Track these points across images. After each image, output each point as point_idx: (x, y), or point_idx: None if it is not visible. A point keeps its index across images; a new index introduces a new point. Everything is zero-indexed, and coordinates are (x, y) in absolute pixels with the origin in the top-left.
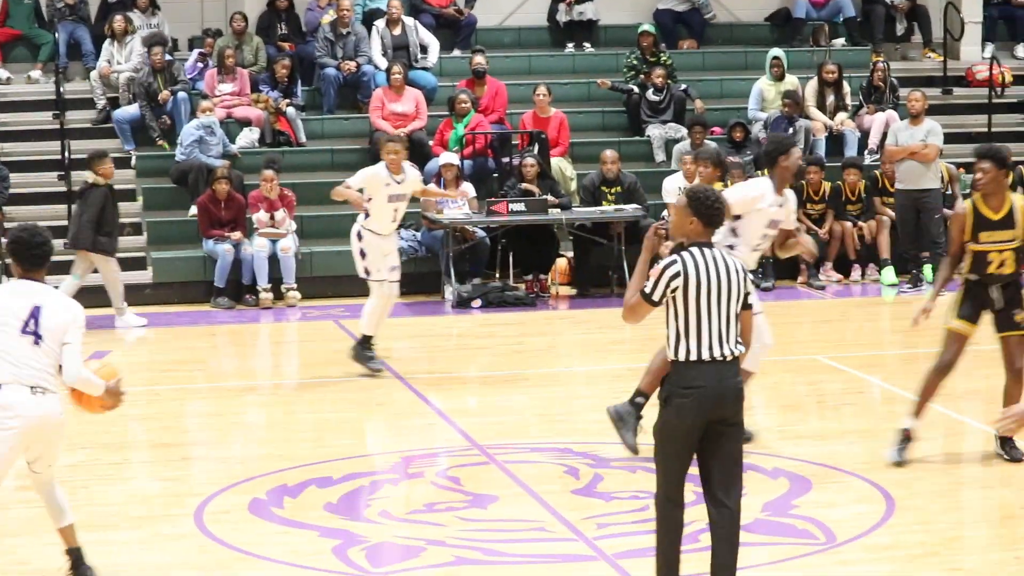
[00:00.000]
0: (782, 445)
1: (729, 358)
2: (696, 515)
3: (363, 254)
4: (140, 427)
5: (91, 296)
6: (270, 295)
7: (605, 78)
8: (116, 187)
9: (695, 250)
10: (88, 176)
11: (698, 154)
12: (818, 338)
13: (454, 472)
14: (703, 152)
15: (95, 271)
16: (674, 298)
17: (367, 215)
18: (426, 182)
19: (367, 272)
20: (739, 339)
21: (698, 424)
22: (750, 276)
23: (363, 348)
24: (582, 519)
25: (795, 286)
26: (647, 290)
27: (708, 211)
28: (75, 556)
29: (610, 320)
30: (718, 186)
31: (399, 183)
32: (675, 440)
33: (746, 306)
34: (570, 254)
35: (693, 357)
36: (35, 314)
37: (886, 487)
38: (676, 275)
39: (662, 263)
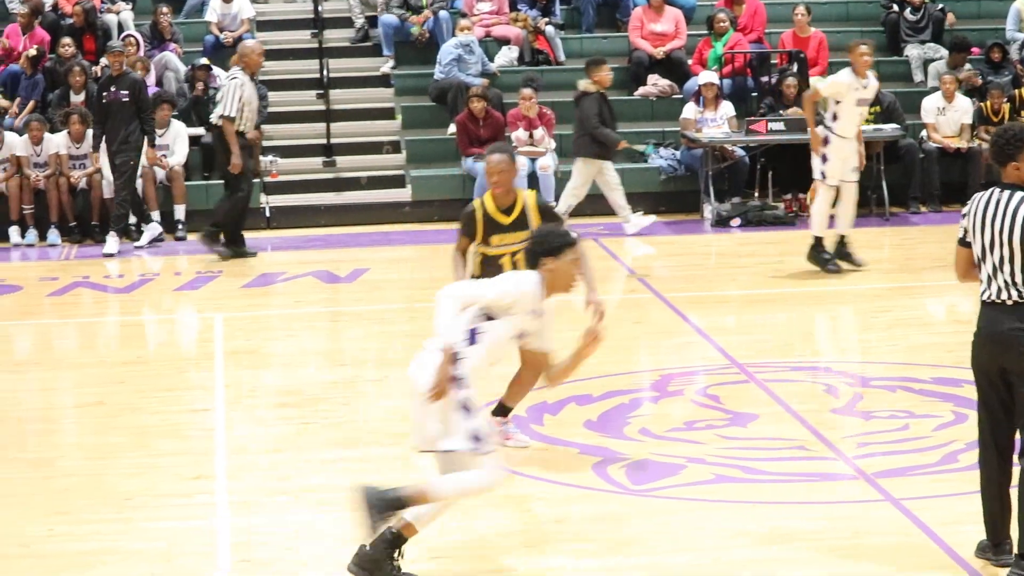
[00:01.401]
0: None
1: (1008, 302)
2: (957, 434)
3: (825, 158)
4: (400, 345)
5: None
6: None
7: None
8: (375, 106)
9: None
10: (582, 83)
11: None
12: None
13: (713, 390)
14: None
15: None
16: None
17: (835, 118)
18: (685, 102)
19: (823, 175)
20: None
21: (985, 369)
22: None
23: (818, 251)
24: (842, 438)
25: None
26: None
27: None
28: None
29: (868, 239)
30: None
31: (865, 87)
32: (976, 384)
33: None
34: None
35: (983, 298)
36: None
37: None
38: (964, 215)
39: None
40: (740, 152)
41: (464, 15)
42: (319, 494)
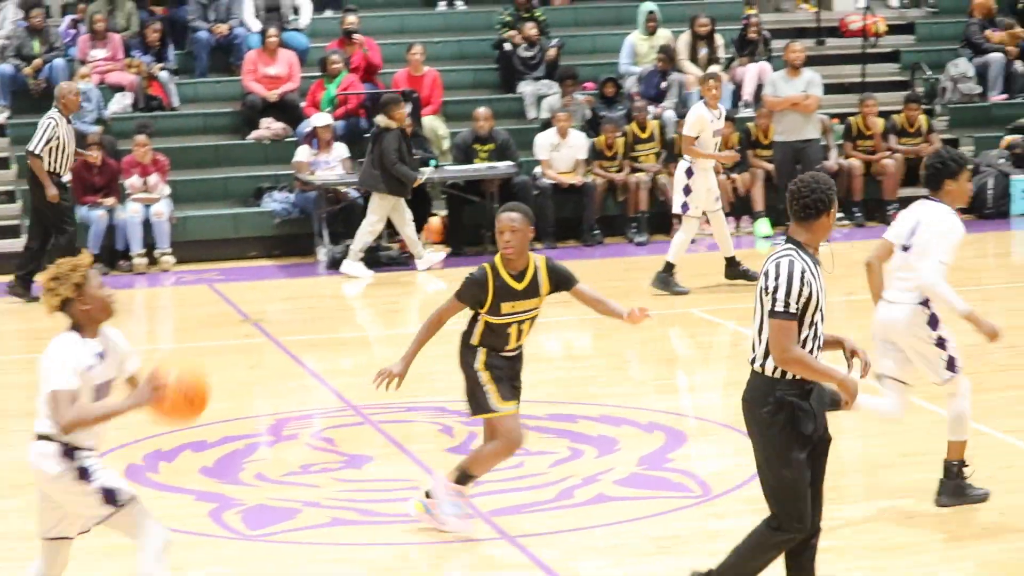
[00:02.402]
0: (657, 399)
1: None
2: (572, 470)
3: (688, 190)
4: (18, 395)
5: None
6: (144, 260)
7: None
8: None
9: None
10: (381, 120)
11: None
12: (694, 291)
13: (329, 433)
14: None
15: None
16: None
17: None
18: (298, 144)
19: (685, 208)
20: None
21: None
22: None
23: (667, 275)
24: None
25: (668, 240)
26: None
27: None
28: None
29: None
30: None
31: (718, 118)
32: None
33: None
34: (444, 213)
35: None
36: None
37: None
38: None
39: None
40: (354, 194)
41: (83, 62)
42: None
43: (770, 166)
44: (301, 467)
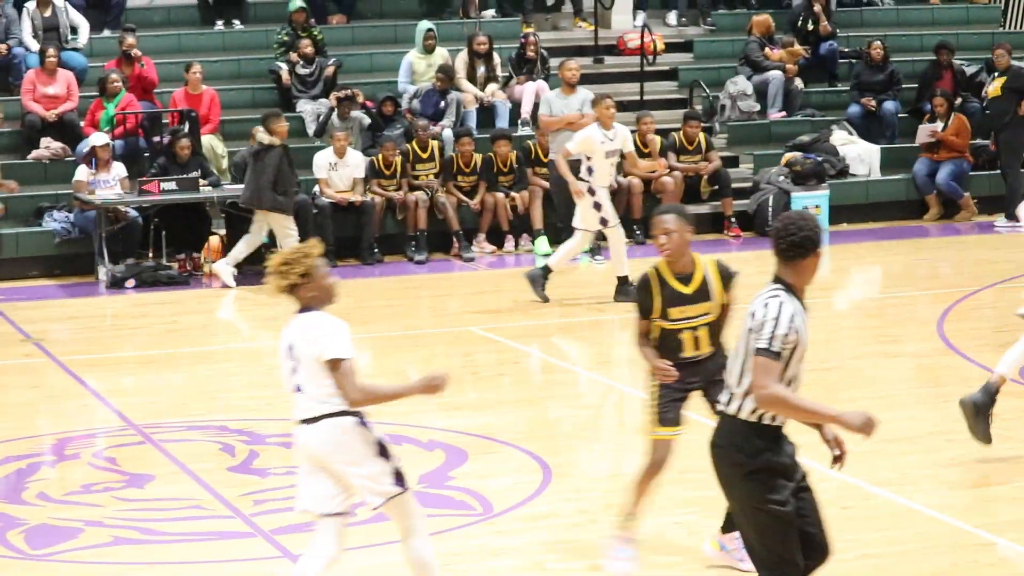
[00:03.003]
0: (437, 417)
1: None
2: None
3: (598, 206)
4: None
5: None
6: None
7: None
8: None
9: None
10: (263, 136)
11: None
12: (472, 309)
13: (111, 452)
14: None
15: None
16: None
17: (590, 172)
18: (77, 164)
19: (604, 222)
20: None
21: None
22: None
23: (544, 277)
24: (239, 496)
25: (448, 258)
26: None
27: None
28: None
29: (263, 297)
30: None
31: (612, 139)
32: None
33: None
34: (223, 231)
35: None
36: None
37: (542, 456)
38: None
39: None
40: (133, 213)
41: None
42: None
43: (548, 184)
44: (83, 487)
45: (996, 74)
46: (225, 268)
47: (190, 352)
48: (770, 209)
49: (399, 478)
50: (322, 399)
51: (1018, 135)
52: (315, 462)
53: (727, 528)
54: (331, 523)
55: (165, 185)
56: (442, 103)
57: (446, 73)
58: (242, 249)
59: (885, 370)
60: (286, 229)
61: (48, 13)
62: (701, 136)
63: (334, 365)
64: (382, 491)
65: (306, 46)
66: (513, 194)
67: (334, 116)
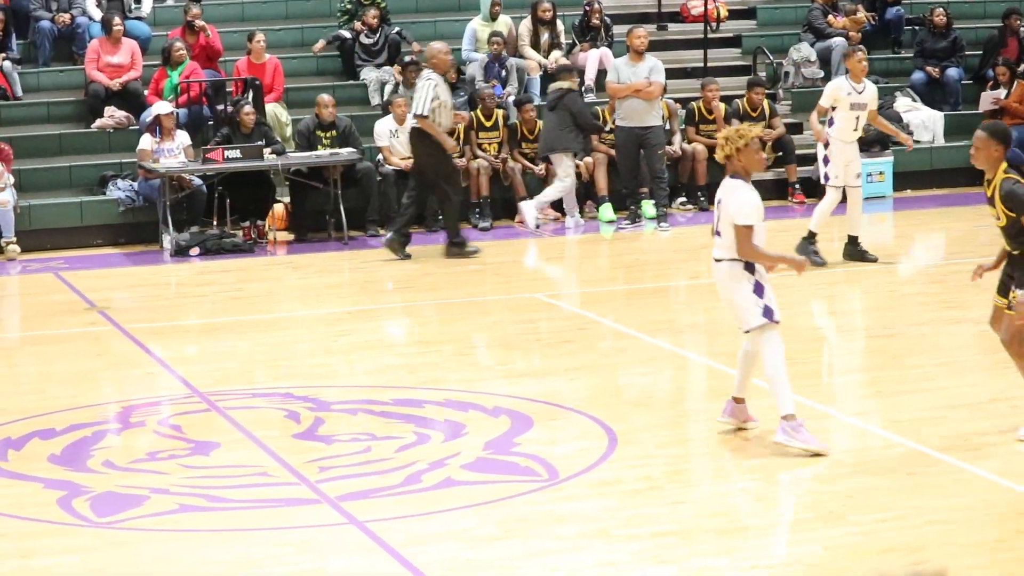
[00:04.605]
0: (502, 384)
1: None
2: (419, 455)
3: (827, 160)
4: None
5: None
6: None
7: (320, 39)
8: None
9: None
10: (562, 84)
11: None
12: (537, 276)
13: (176, 420)
14: None
15: None
16: None
17: (831, 123)
18: (141, 132)
19: (826, 177)
20: None
21: None
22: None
23: (808, 243)
24: (304, 463)
25: (513, 225)
26: None
27: None
28: None
29: (327, 264)
30: None
31: (860, 92)
32: None
33: None
34: (287, 199)
35: None
36: None
37: (608, 422)
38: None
39: None
40: (198, 181)
41: None
42: None
43: (612, 151)
44: (148, 454)
45: None
46: (530, 209)
47: (254, 320)
48: None
49: (768, 312)
50: (726, 247)
51: None
52: (719, 291)
53: None
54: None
55: (229, 153)
56: (503, 72)
57: (501, 39)
58: (552, 193)
59: (948, 336)
60: (569, 169)
61: None
62: (765, 103)
63: (737, 227)
64: (751, 319)
65: (372, 16)
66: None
67: (399, 85)
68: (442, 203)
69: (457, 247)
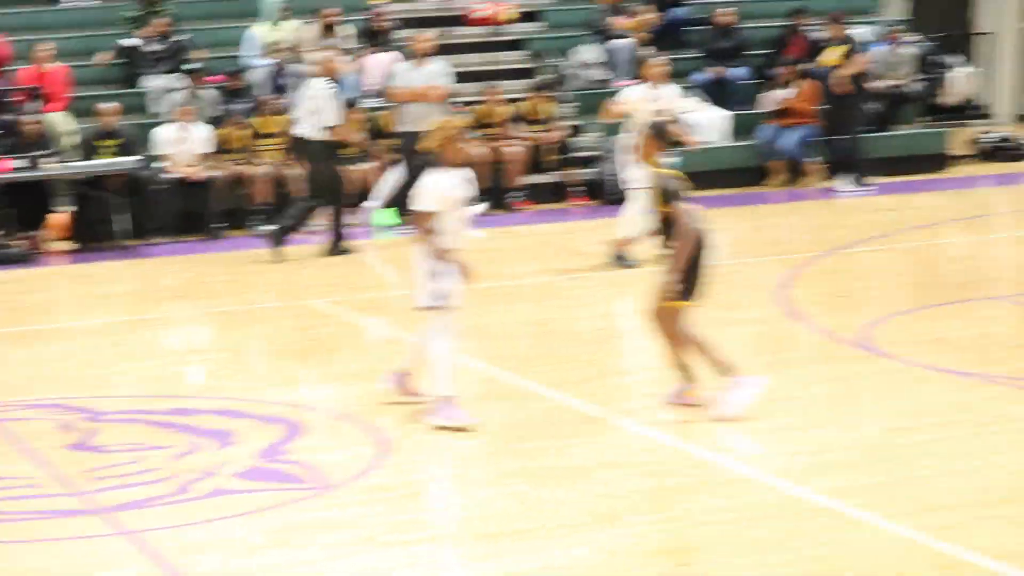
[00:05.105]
0: (278, 391)
1: None
2: (191, 464)
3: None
4: None
5: None
6: None
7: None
8: None
9: None
10: None
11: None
12: (315, 282)
13: None
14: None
15: None
16: None
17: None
18: None
19: (627, 182)
20: None
21: None
22: None
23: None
24: (77, 473)
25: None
26: None
27: None
28: None
29: (107, 273)
30: None
31: (656, 99)
32: None
33: None
34: (70, 208)
35: None
36: None
37: (380, 429)
38: None
39: None
40: None
41: None
42: None
43: (395, 156)
44: None
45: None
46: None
47: (31, 330)
48: (614, 177)
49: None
50: None
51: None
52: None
53: None
54: None
55: (14, 163)
56: (284, 78)
57: (289, 46)
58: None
59: (725, 336)
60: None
61: None
62: (548, 106)
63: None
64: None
65: (162, 24)
66: (361, 166)
67: (181, 91)
68: (307, 202)
69: (278, 242)
